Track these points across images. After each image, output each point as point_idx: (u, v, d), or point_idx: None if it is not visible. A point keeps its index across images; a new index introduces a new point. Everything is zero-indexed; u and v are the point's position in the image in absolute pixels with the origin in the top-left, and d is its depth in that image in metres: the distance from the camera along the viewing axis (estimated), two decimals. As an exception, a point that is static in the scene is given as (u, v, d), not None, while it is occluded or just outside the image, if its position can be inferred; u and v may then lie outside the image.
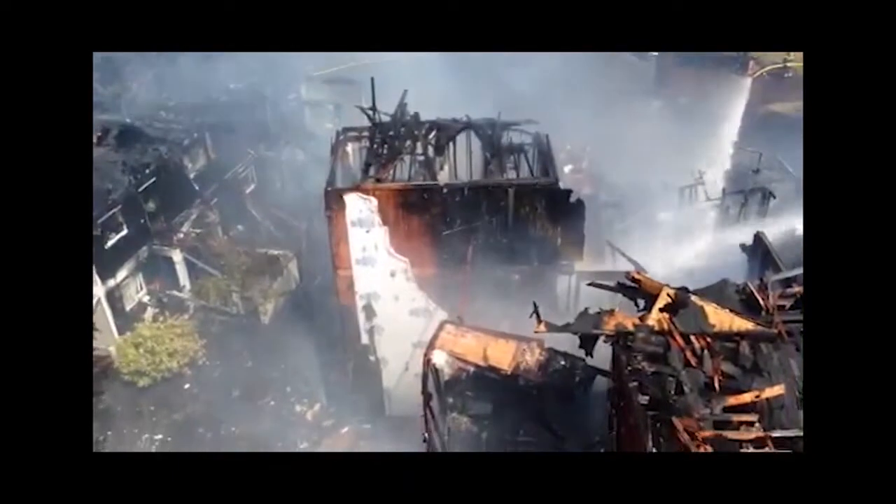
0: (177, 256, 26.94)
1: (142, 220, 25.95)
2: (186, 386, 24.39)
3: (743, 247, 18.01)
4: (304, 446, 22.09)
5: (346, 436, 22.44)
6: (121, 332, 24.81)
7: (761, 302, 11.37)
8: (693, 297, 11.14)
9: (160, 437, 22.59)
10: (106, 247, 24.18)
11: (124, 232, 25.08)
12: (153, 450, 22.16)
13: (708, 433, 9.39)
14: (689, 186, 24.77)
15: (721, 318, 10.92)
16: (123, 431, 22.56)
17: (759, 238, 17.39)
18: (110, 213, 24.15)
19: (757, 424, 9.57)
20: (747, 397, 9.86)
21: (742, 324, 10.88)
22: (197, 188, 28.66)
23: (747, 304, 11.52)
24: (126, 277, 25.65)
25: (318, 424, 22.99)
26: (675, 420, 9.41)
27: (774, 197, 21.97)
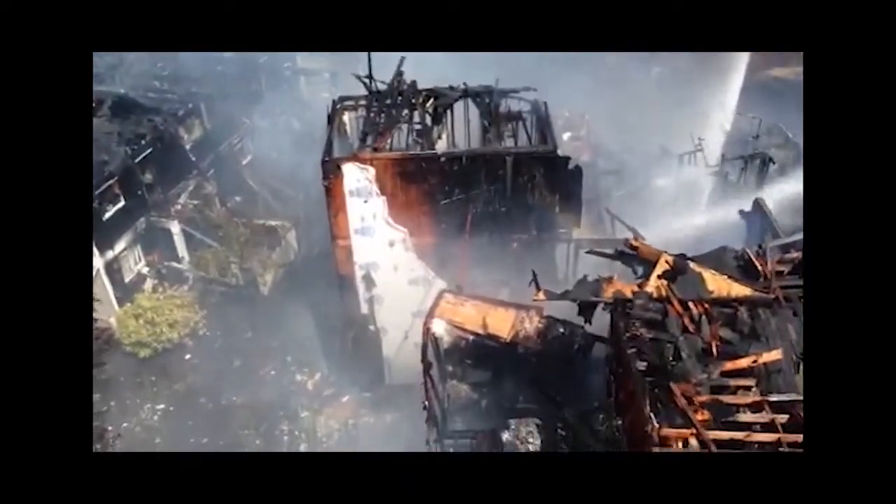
0: (175, 228, 26.91)
1: (139, 192, 25.87)
2: (187, 356, 24.55)
3: (742, 213, 18.03)
4: (305, 415, 22.31)
5: (347, 404, 22.65)
6: (120, 304, 24.90)
7: (759, 268, 11.41)
8: (691, 264, 11.17)
9: (162, 406, 22.80)
10: (104, 219, 24.14)
11: (121, 203, 25.02)
12: (155, 419, 22.37)
13: (705, 398, 9.49)
14: (688, 153, 24.64)
15: (719, 285, 10.96)
16: (126, 402, 22.76)
17: (757, 204, 17.40)
18: (107, 184, 24.07)
19: (754, 389, 9.66)
20: (744, 362, 9.94)
21: (740, 290, 10.93)
22: (193, 159, 28.51)
23: (745, 270, 11.55)
24: (124, 249, 25.65)
25: (318, 393, 23.17)
26: (673, 385, 9.50)
27: (774, 163, 21.89)
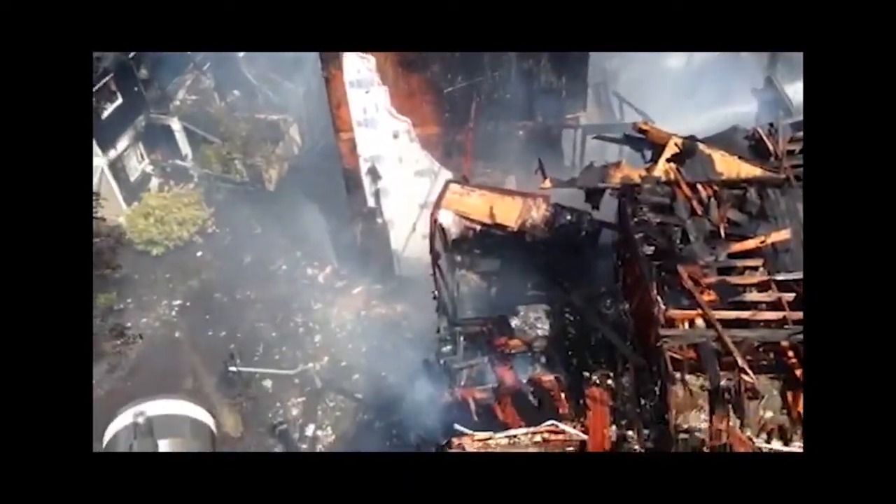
0: (175, 125, 26.57)
1: (135, 88, 25.39)
2: (199, 253, 24.89)
3: (754, 91, 17.55)
4: (318, 307, 22.83)
5: (359, 296, 23.10)
6: (127, 203, 25.00)
7: (771, 147, 11.21)
8: (701, 146, 10.98)
9: (179, 302, 23.33)
10: (102, 117, 23.82)
11: (119, 101, 24.62)
12: (173, 315, 22.94)
13: (712, 279, 9.58)
14: (699, 30, 23.68)
15: (729, 166, 10.83)
16: (143, 299, 23.29)
17: (770, 81, 16.91)
18: (103, 81, 23.57)
19: (761, 269, 9.73)
20: (752, 243, 9.98)
21: (750, 170, 10.80)
22: (189, 52, 27.69)
23: (757, 150, 11.38)
24: (127, 148, 25.50)
25: (330, 286, 23.62)
26: (680, 268, 9.57)
27: (789, 38, 21.05)
